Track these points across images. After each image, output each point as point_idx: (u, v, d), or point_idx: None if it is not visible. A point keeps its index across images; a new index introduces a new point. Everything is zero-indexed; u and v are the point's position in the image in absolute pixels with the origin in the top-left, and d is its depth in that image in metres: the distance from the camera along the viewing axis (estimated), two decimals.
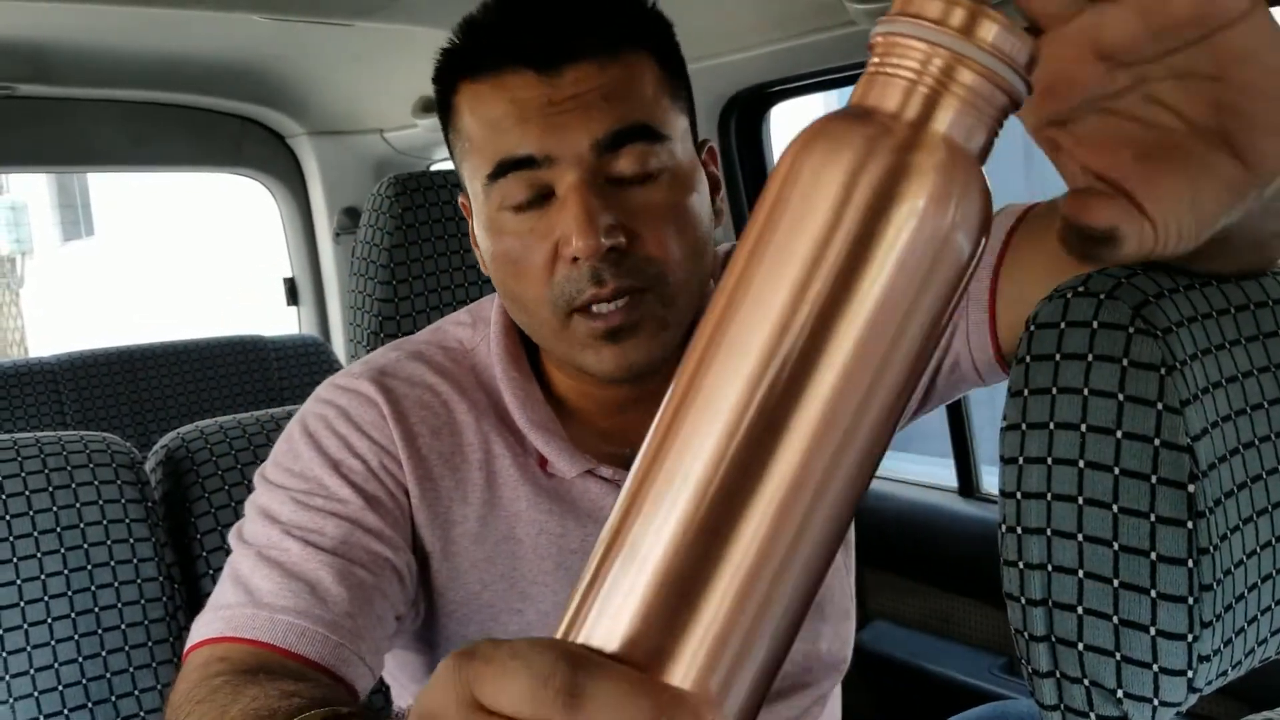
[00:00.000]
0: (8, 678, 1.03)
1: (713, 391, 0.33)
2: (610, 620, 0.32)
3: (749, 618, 0.32)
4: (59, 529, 1.07)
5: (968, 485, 1.81)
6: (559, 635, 0.33)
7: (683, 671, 0.31)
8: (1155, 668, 0.53)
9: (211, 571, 1.14)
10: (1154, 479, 0.51)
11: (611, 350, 0.75)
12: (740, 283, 0.33)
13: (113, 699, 1.07)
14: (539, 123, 0.73)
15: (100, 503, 1.09)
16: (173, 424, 1.26)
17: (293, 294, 2.66)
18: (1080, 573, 0.54)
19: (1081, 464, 0.53)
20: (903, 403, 0.34)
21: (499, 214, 0.77)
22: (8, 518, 1.05)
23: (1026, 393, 0.56)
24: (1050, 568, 0.55)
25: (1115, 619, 0.53)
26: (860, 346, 0.32)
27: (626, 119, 0.74)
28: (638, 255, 0.74)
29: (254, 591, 0.75)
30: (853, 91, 0.35)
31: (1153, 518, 0.52)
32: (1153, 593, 0.52)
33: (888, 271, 0.32)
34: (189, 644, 0.76)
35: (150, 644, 1.09)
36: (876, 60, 0.34)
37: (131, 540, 1.09)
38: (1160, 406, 0.51)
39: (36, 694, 1.04)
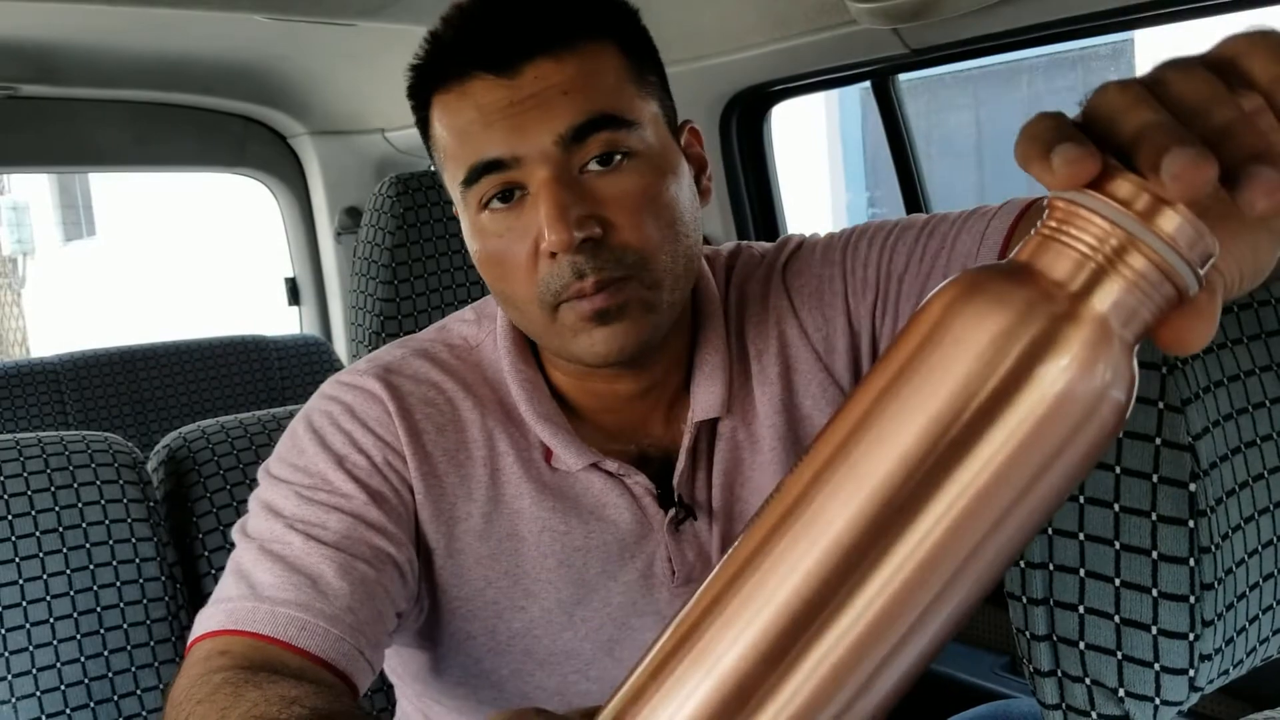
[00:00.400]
0: (10, 677, 1.03)
1: (823, 513, 0.33)
2: (668, 716, 0.33)
3: None
4: (61, 528, 1.07)
5: None
6: (608, 712, 0.34)
7: None
8: (1157, 666, 0.53)
9: (213, 570, 1.14)
10: (1155, 478, 0.51)
11: (602, 333, 0.76)
12: (870, 415, 0.34)
13: (115, 698, 1.07)
14: (503, 124, 0.74)
15: (102, 502, 1.09)
16: (174, 424, 1.26)
17: (294, 294, 2.67)
18: (1082, 572, 0.54)
19: None
20: (1015, 550, 0.34)
21: (478, 217, 0.78)
22: (10, 517, 1.05)
23: None
24: (1052, 567, 0.55)
25: (1117, 618, 0.53)
26: (978, 500, 0.33)
27: (589, 110, 0.75)
28: (614, 244, 0.75)
29: (256, 585, 0.75)
30: (1021, 248, 0.35)
31: (1154, 516, 0.52)
32: (1154, 591, 0.52)
33: (1024, 428, 0.32)
34: (191, 637, 0.76)
35: (152, 643, 1.09)
36: (1054, 225, 0.34)
37: (133, 540, 1.09)
38: (1161, 405, 0.51)
39: (39, 693, 1.04)
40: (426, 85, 0.79)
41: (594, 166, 0.75)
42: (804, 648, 0.33)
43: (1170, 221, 0.33)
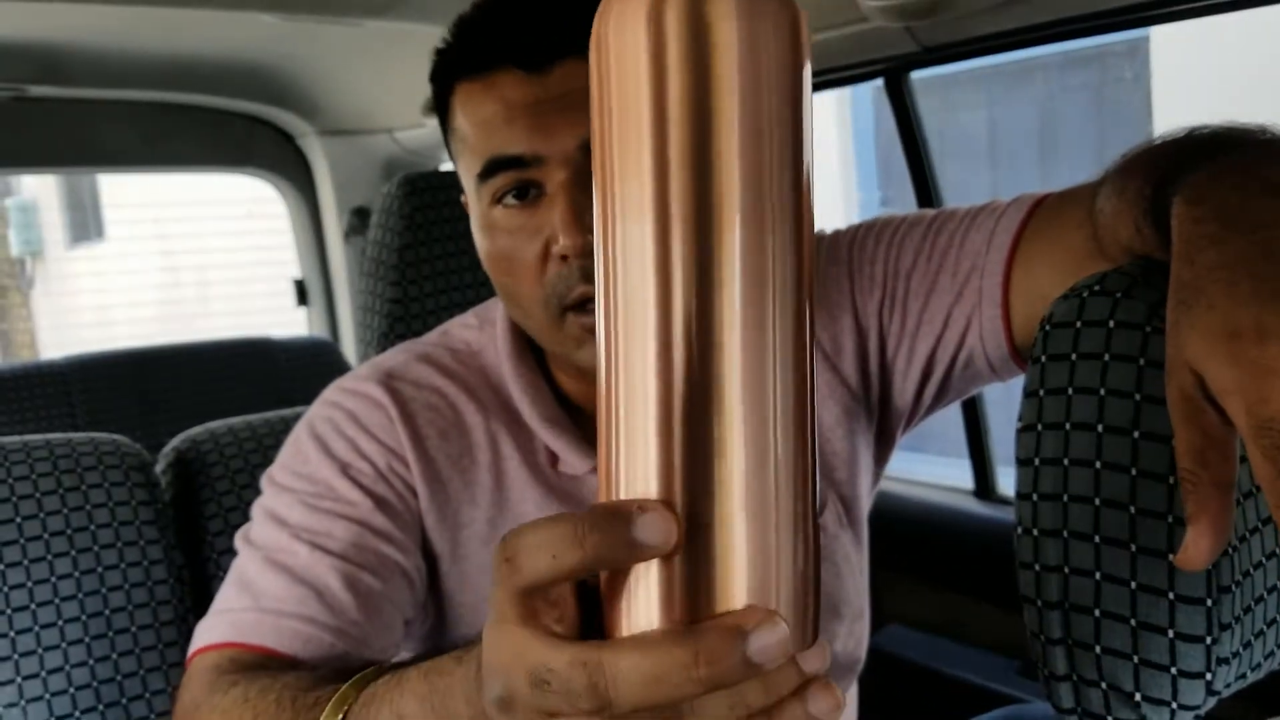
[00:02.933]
0: (19, 680, 1.03)
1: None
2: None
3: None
4: (69, 531, 1.07)
5: (984, 487, 1.80)
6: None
7: None
8: (1173, 670, 0.52)
9: (222, 573, 1.14)
10: (1171, 480, 0.51)
11: None
12: (614, 164, 0.35)
13: (123, 701, 1.07)
14: (527, 122, 0.74)
15: (111, 505, 1.09)
16: (182, 426, 1.25)
17: (302, 295, 2.66)
18: (1097, 575, 0.54)
19: (1098, 465, 0.53)
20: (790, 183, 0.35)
21: (491, 211, 0.78)
22: (19, 520, 1.05)
23: (1042, 393, 0.55)
24: (1067, 570, 0.55)
25: (1133, 621, 0.53)
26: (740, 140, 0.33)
27: None
28: None
29: (260, 595, 0.75)
30: None
31: (1170, 519, 0.51)
32: (1170, 595, 0.51)
33: (731, 79, 0.33)
34: (192, 648, 0.76)
35: (161, 646, 1.09)
36: None
37: (142, 542, 1.09)
38: None
39: (48, 696, 1.04)
40: (451, 71, 0.79)
41: None
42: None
43: None
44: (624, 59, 0.34)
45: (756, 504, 0.34)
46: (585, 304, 0.75)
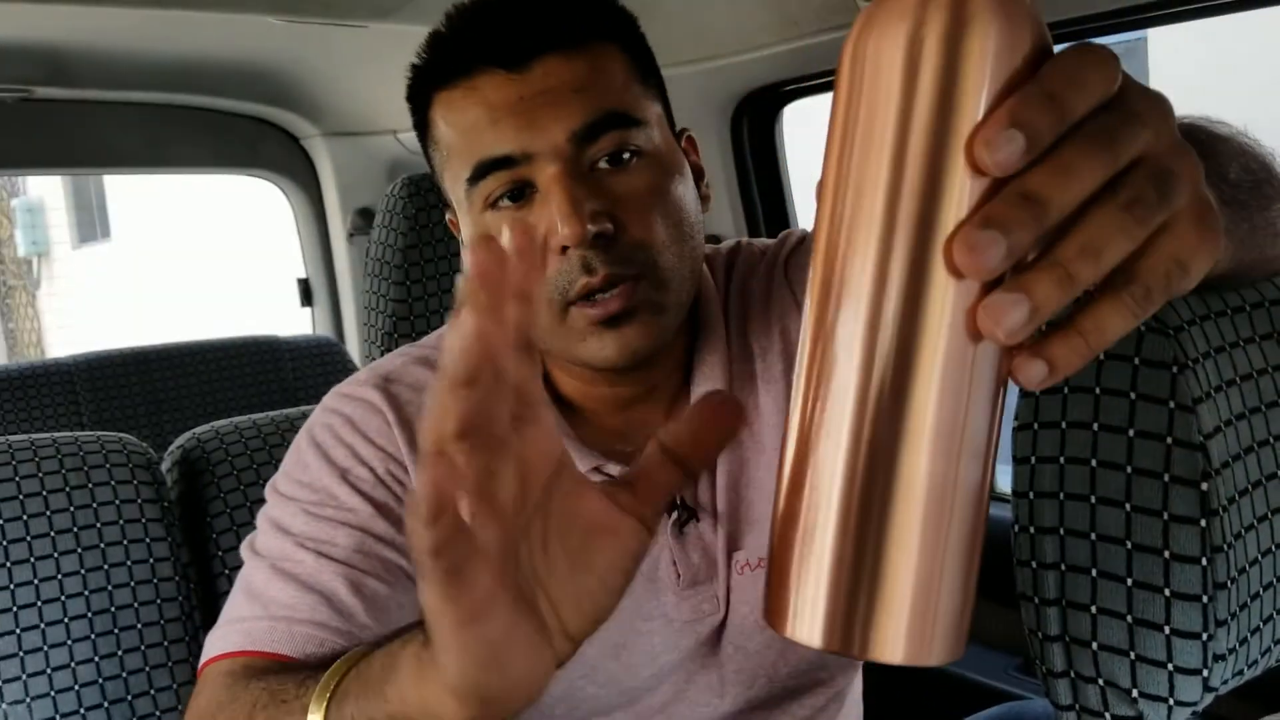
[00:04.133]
0: (25, 677, 1.03)
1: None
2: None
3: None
4: (75, 529, 1.07)
5: None
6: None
7: None
8: (1170, 667, 0.53)
9: (227, 571, 1.14)
10: (1167, 477, 0.51)
11: (612, 336, 0.75)
12: (850, 168, 0.35)
13: (129, 699, 1.07)
14: (513, 121, 0.74)
15: (117, 503, 1.09)
16: (188, 424, 1.26)
17: (307, 295, 2.67)
18: (1094, 572, 0.54)
19: (1094, 463, 0.53)
20: None
21: (482, 216, 0.77)
22: (25, 518, 1.06)
23: (1038, 392, 0.55)
24: (1064, 567, 0.55)
25: (1129, 618, 0.53)
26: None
27: (600, 108, 0.74)
28: (625, 241, 0.74)
29: (269, 604, 0.75)
30: None
31: (1166, 516, 0.51)
32: (1167, 591, 0.52)
33: (974, 93, 0.34)
34: (205, 658, 0.76)
35: (166, 644, 1.09)
36: None
37: (148, 540, 1.10)
38: (1172, 405, 0.51)
39: (53, 693, 1.04)
40: (428, 84, 0.79)
41: (604, 164, 0.75)
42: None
43: None
44: (879, 79, 0.35)
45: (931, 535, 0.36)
46: (589, 296, 0.74)
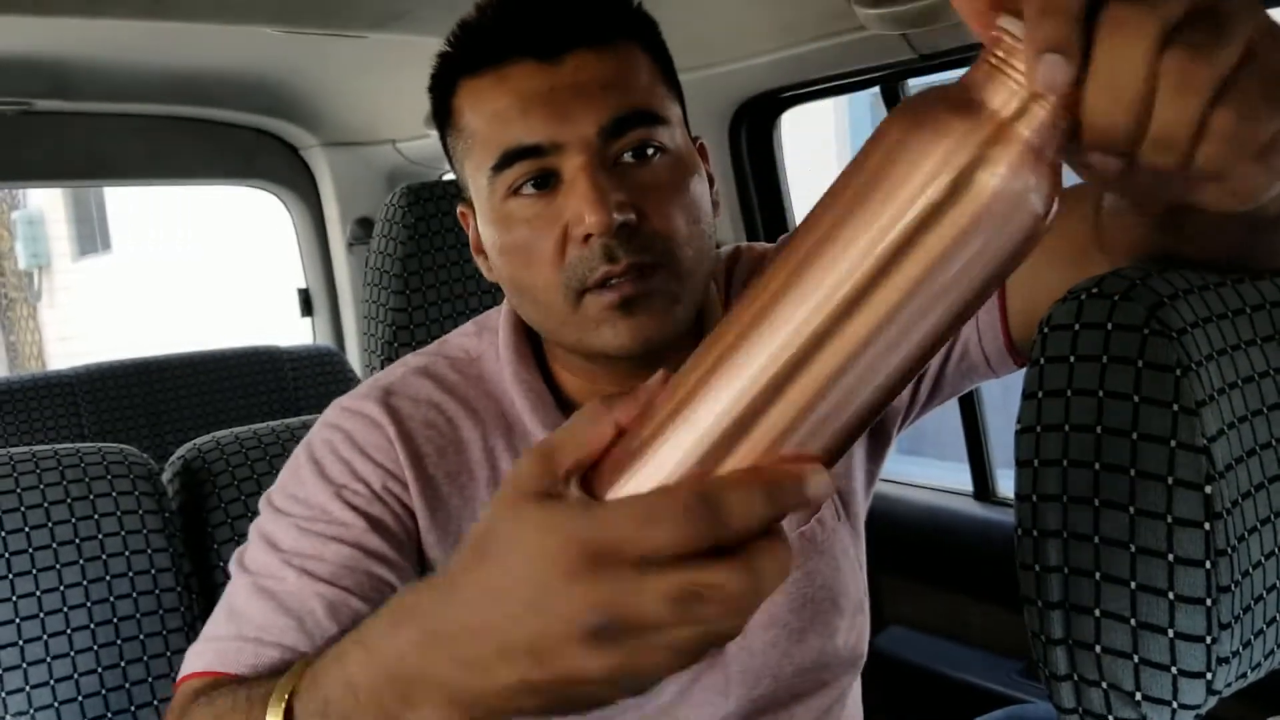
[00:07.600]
0: (28, 688, 1.03)
1: (811, 280, 0.41)
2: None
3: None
4: (77, 540, 1.07)
5: (983, 489, 1.81)
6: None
7: None
8: (1174, 670, 0.53)
9: (228, 581, 1.14)
10: (1170, 480, 0.51)
11: (626, 323, 0.76)
12: (841, 221, 0.41)
13: (131, 709, 1.07)
14: (543, 110, 0.75)
15: (118, 514, 1.09)
16: (189, 435, 1.26)
17: (307, 305, 2.67)
18: (1097, 575, 0.54)
19: (1097, 466, 0.53)
20: (951, 323, 0.42)
21: (505, 204, 0.78)
22: (27, 530, 1.06)
23: (1041, 395, 0.55)
24: (1067, 570, 0.55)
25: (1133, 621, 0.53)
26: (928, 274, 0.40)
27: (629, 104, 0.76)
28: (647, 231, 0.75)
29: (244, 623, 0.75)
30: (969, 74, 0.41)
31: (1169, 519, 0.51)
32: (1170, 595, 0.52)
33: (963, 221, 0.39)
34: (182, 672, 0.77)
35: (168, 654, 1.09)
36: (1000, 55, 0.40)
37: (149, 551, 1.09)
38: (1176, 408, 0.51)
39: (56, 704, 1.04)
40: (455, 71, 0.80)
41: (628, 158, 0.76)
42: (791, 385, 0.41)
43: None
44: (896, 163, 0.40)
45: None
46: (607, 282, 0.75)
